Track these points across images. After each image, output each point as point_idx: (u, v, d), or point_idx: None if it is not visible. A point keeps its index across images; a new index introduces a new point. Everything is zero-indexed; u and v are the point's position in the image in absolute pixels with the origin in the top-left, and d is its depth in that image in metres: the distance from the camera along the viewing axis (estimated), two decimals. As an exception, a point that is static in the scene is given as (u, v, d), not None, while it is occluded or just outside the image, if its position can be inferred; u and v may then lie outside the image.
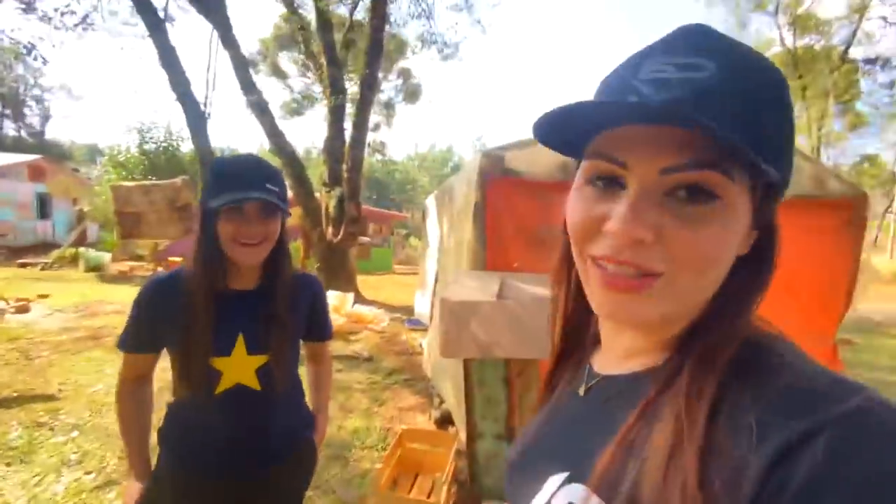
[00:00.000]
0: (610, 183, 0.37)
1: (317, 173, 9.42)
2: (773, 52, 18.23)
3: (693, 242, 0.34)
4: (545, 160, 2.40)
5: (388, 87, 21.92)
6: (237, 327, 1.05)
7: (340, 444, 2.98)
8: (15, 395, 3.44)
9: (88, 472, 2.47)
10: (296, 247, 9.71)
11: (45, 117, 35.78)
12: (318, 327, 1.25)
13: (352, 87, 10.83)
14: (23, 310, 5.87)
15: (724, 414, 0.32)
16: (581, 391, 0.47)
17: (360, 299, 7.45)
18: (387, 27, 8.68)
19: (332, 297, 6.12)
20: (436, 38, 9.97)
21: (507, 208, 2.37)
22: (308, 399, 1.29)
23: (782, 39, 17.56)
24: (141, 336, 1.05)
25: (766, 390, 0.31)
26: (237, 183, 0.97)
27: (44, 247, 15.08)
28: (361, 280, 8.84)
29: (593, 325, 0.51)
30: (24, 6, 5.61)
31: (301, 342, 1.24)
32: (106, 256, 11.10)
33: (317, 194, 8.22)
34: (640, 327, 0.41)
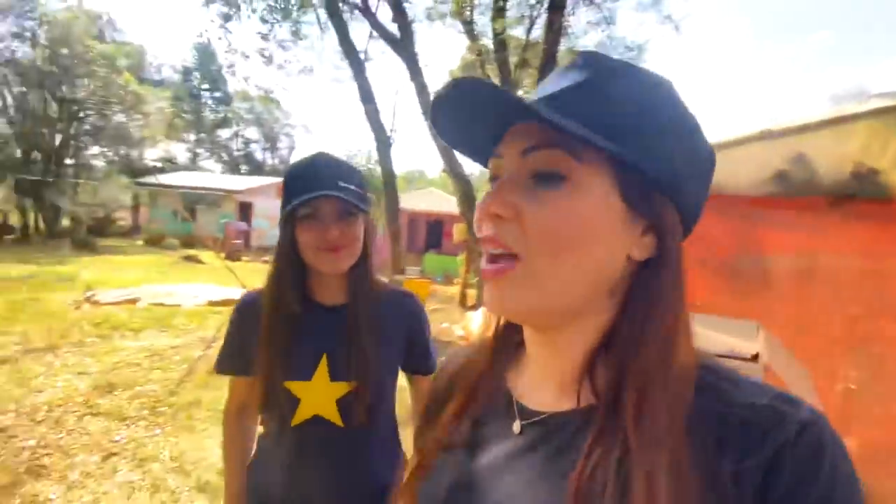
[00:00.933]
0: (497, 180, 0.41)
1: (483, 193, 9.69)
2: None
3: (541, 218, 0.36)
4: (751, 168, 1.80)
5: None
6: (321, 348, 0.93)
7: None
8: (232, 366, 4.35)
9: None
10: (461, 260, 10.16)
11: (292, 148, 46.25)
12: (416, 356, 1.06)
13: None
14: (253, 297, 7.51)
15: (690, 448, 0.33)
16: (516, 428, 0.43)
17: (516, 318, 7.28)
18: (563, 41, 8.46)
19: (484, 312, 6.11)
20: (615, 43, 9.31)
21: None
22: None
23: None
24: (234, 357, 0.99)
25: (725, 415, 0.34)
26: (307, 184, 0.89)
27: (280, 249, 19.35)
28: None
29: (509, 349, 0.50)
30: (265, 59, 7.38)
31: (404, 374, 1.09)
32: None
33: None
34: (536, 328, 0.43)
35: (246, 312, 0.98)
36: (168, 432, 3.02)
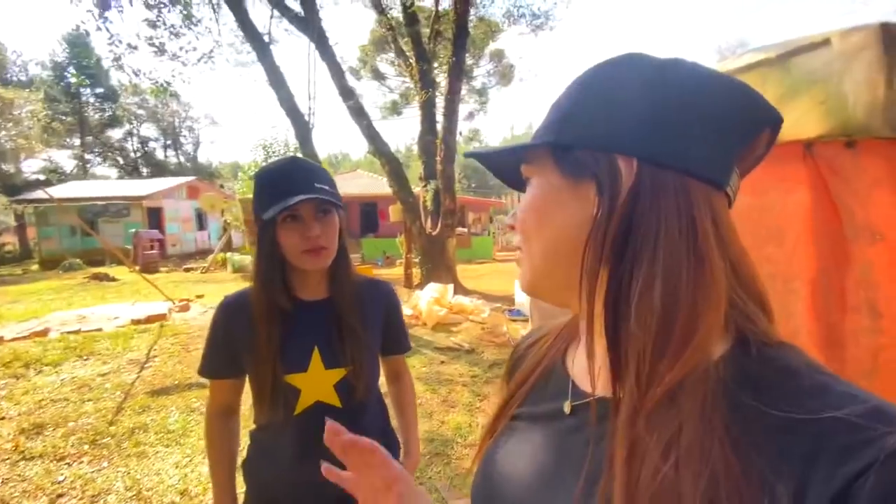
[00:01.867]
0: None
1: (417, 169, 9.68)
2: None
3: (518, 214, 0.45)
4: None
5: (481, 72, 21.63)
6: (311, 340, 0.99)
7: (443, 440, 2.98)
8: (175, 383, 4.10)
9: (226, 456, 2.80)
10: (400, 241, 10.15)
11: (196, 143, 42.46)
12: (394, 339, 1.15)
13: (444, 80, 10.89)
14: (184, 308, 7.01)
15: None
16: (566, 409, 0.44)
17: (460, 290, 7.49)
18: (473, 10, 8.46)
19: (433, 289, 6.22)
20: (523, 11, 9.49)
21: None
22: (393, 422, 1.19)
23: None
24: (219, 360, 1.02)
25: (796, 419, 0.30)
26: (286, 189, 0.93)
27: (202, 253, 18.03)
28: (462, 269, 8.91)
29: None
30: (156, 49, 6.63)
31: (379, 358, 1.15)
32: (248, 259, 12.80)
33: (416, 189, 8.43)
34: (556, 305, 0.45)
35: (230, 315, 1.01)
36: (116, 463, 2.82)
